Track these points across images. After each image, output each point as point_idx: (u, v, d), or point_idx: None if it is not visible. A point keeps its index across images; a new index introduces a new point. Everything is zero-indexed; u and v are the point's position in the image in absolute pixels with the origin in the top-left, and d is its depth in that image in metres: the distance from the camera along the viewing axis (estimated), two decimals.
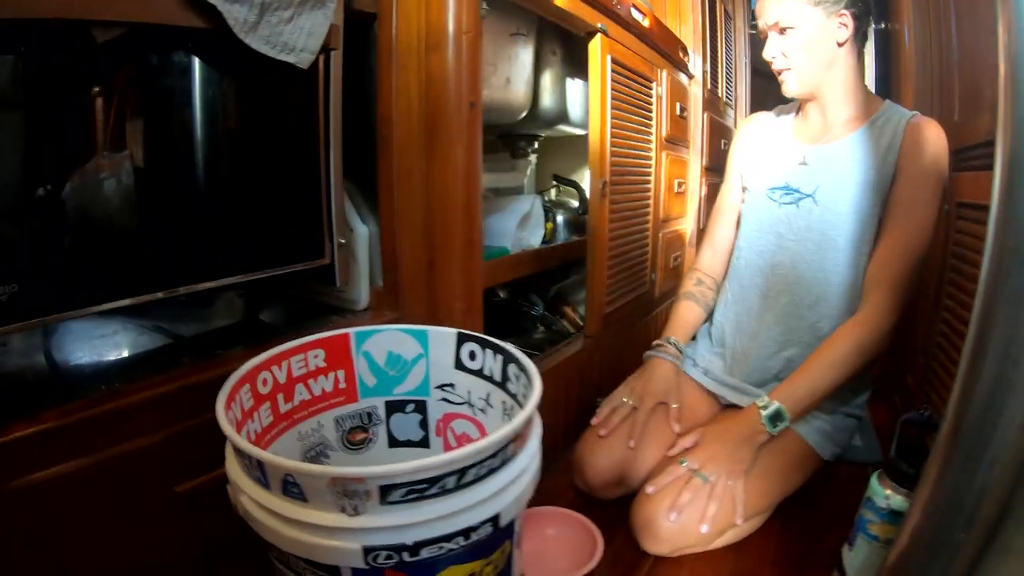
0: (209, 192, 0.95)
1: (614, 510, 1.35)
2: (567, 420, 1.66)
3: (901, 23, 2.15)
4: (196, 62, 0.89)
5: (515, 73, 1.55)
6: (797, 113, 1.60)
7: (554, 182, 2.29)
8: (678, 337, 1.60)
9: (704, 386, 1.57)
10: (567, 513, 1.30)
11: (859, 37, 1.40)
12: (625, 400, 1.48)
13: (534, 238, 1.79)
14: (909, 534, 0.75)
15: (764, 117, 1.69)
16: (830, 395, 1.36)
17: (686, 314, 1.64)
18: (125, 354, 1.02)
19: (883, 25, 2.37)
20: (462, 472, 0.64)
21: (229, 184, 0.98)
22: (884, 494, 1.07)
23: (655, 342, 1.60)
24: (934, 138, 1.35)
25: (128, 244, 0.86)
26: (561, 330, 2.00)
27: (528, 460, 0.75)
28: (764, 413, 1.30)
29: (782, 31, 1.38)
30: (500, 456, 0.68)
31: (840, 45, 1.39)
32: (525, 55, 1.59)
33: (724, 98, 2.89)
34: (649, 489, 1.26)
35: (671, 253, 2.33)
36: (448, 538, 0.65)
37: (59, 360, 0.96)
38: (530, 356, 1.60)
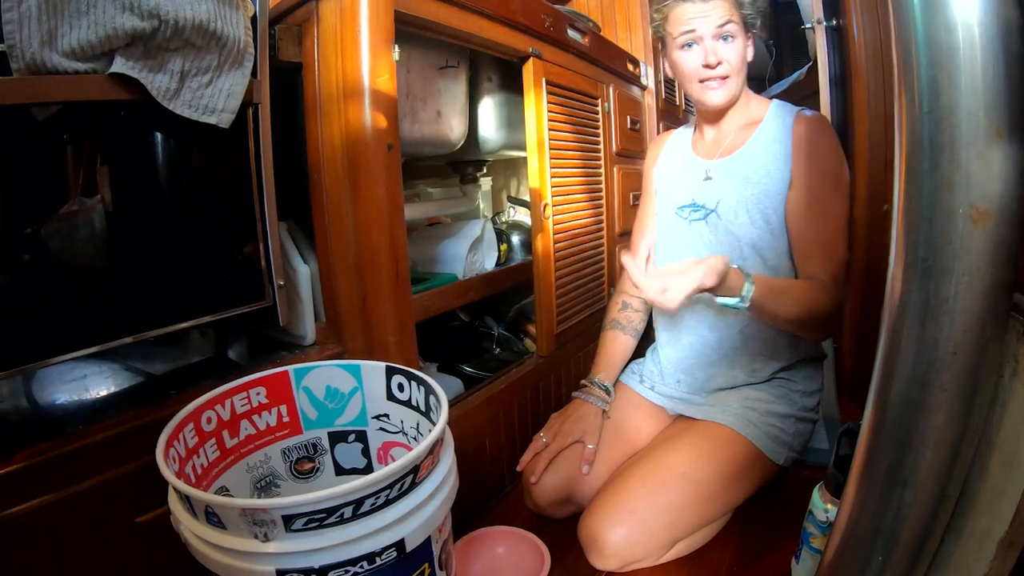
0: (153, 243, 1.09)
1: (570, 528, 1.45)
2: (522, 439, 1.77)
3: (849, 19, 2.26)
4: (133, 127, 1.04)
5: (446, 105, 1.65)
6: (695, 130, 1.71)
7: (509, 203, 2.42)
8: (604, 375, 1.73)
9: (652, 401, 1.69)
10: (516, 531, 1.42)
11: None
12: (543, 438, 1.63)
13: (488, 261, 1.93)
14: (832, 554, 0.82)
15: (670, 135, 1.82)
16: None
17: (611, 346, 1.76)
18: (102, 393, 1.17)
19: (834, 22, 2.44)
20: (358, 503, 0.77)
21: (172, 235, 1.12)
22: (823, 507, 1.14)
23: (582, 381, 1.74)
24: (820, 132, 1.47)
25: (83, 298, 1.02)
26: (520, 350, 2.12)
27: (435, 485, 0.87)
28: (745, 287, 1.29)
29: (726, 38, 1.45)
30: (398, 486, 0.80)
31: (747, 62, 1.52)
32: (457, 86, 1.69)
33: (683, 106, 3.00)
34: (585, 469, 1.43)
35: None
36: (353, 562, 0.78)
37: (41, 401, 1.12)
38: (482, 378, 1.76)
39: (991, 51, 0.56)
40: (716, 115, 1.60)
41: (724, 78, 1.48)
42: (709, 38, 1.45)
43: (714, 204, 1.56)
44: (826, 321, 1.43)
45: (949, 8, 0.56)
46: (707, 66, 1.47)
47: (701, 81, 1.50)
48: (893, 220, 0.64)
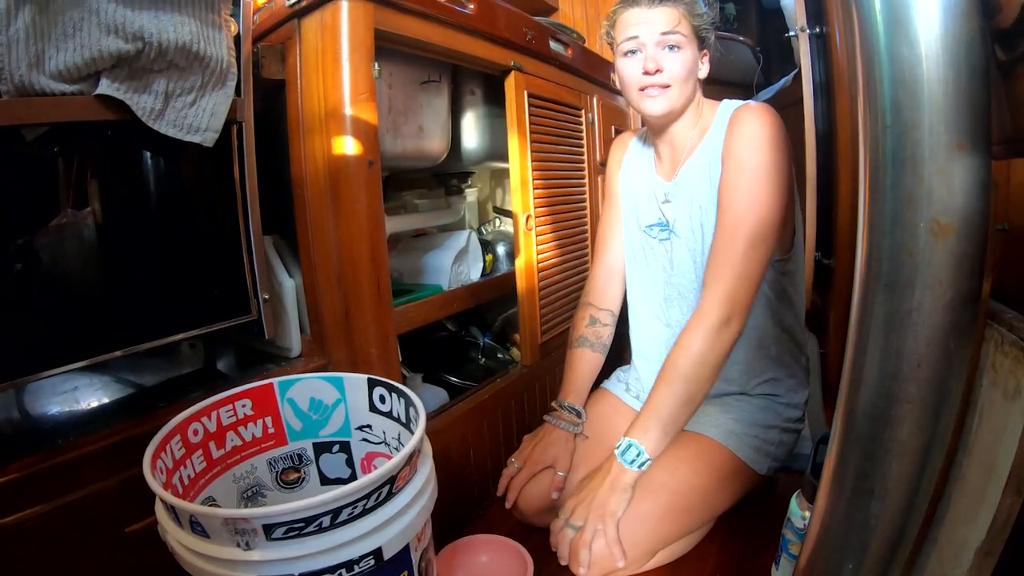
0: (141, 259, 1.11)
1: None
2: (507, 448, 1.77)
3: (832, 27, 2.26)
4: (120, 146, 1.05)
5: (428, 119, 1.65)
6: (654, 147, 1.65)
7: (495, 213, 2.42)
8: (574, 397, 1.70)
9: (637, 410, 1.64)
10: (500, 540, 1.42)
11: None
12: (515, 463, 1.62)
13: (473, 272, 1.93)
14: (805, 561, 0.83)
15: (632, 139, 1.76)
16: (695, 408, 1.40)
17: (579, 365, 1.72)
18: (93, 405, 1.19)
19: (818, 29, 2.43)
20: (335, 512, 0.78)
21: (159, 250, 1.13)
22: (801, 514, 1.14)
23: (552, 403, 1.71)
24: (748, 121, 1.40)
25: (74, 312, 1.03)
26: (506, 359, 2.12)
27: (413, 494, 0.89)
28: (618, 453, 1.38)
29: (672, 47, 1.39)
30: (375, 496, 0.82)
31: (699, 81, 1.48)
32: (439, 100, 1.69)
33: None
34: (554, 495, 1.42)
35: None
36: (332, 570, 0.80)
37: (33, 413, 1.13)
38: (467, 388, 1.76)
39: (952, 66, 0.57)
40: (660, 128, 1.55)
41: (665, 87, 1.41)
42: (652, 45, 1.39)
43: (673, 224, 1.56)
44: (718, 341, 1.37)
45: (912, 23, 0.57)
46: (646, 73, 1.40)
47: (641, 89, 1.43)
48: (858, 234, 0.64)
